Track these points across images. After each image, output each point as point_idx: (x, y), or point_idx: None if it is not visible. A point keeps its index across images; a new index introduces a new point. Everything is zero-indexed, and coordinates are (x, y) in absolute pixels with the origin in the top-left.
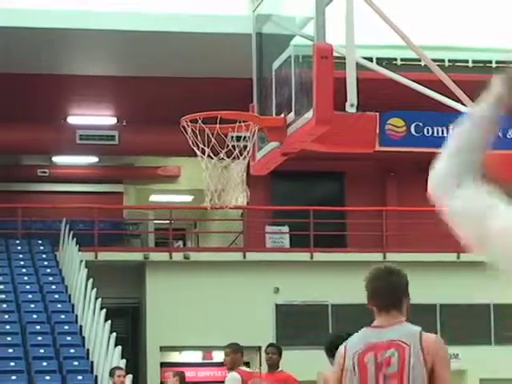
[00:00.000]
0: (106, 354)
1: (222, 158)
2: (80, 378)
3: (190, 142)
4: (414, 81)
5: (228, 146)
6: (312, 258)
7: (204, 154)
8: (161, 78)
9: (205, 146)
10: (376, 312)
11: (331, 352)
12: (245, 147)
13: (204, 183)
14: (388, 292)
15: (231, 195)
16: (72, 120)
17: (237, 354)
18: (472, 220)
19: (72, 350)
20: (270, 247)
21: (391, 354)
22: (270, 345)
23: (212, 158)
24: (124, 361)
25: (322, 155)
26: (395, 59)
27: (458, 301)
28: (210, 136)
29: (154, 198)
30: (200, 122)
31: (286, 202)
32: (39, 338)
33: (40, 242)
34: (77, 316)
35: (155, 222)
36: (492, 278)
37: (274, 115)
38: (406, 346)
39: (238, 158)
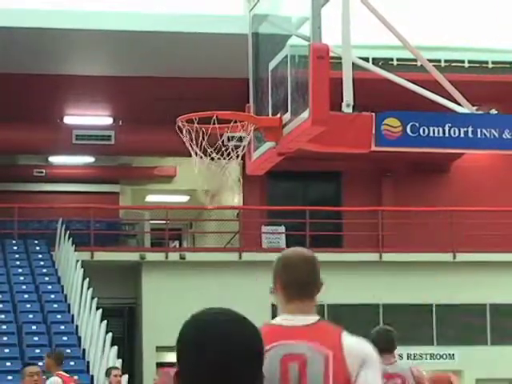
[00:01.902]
0: (101, 354)
1: (218, 158)
2: (76, 377)
3: (186, 143)
4: (410, 81)
5: (224, 146)
6: None
7: (199, 155)
8: (157, 77)
9: (200, 146)
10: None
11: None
12: (241, 147)
13: (199, 183)
14: None
15: (227, 195)
16: (68, 120)
17: (49, 359)
18: None
19: (68, 350)
20: (266, 247)
21: None
22: None
23: (207, 159)
24: (120, 361)
25: (318, 155)
26: (391, 59)
27: (454, 301)
28: (206, 136)
29: (150, 198)
30: (196, 122)
31: (282, 202)
32: (35, 338)
33: (36, 242)
34: (73, 316)
35: (151, 222)
36: (488, 277)
37: (270, 115)
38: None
39: (236, 158)
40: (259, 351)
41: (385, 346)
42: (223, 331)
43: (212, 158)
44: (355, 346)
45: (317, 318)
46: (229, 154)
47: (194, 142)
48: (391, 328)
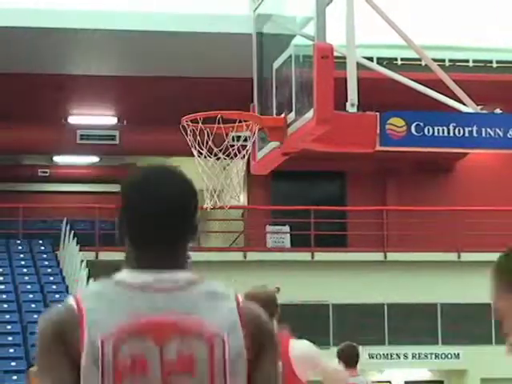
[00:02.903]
0: None
1: (224, 158)
2: None
3: (190, 143)
4: (414, 80)
5: (228, 146)
6: (313, 257)
7: (204, 154)
8: (161, 77)
9: (205, 146)
10: None
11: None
12: (245, 147)
13: (204, 183)
14: None
15: (230, 195)
16: (73, 120)
17: None
18: None
19: None
20: (271, 247)
21: None
22: None
23: (211, 158)
24: None
25: (323, 155)
26: (396, 59)
27: (459, 300)
28: (210, 136)
29: None
30: (200, 122)
31: (286, 201)
32: None
33: (41, 241)
34: None
35: None
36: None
37: (274, 115)
38: None
39: (242, 158)
40: (185, 205)
41: (348, 360)
42: (155, 188)
43: (218, 158)
44: None
45: None
46: (235, 155)
47: (199, 141)
48: (355, 344)
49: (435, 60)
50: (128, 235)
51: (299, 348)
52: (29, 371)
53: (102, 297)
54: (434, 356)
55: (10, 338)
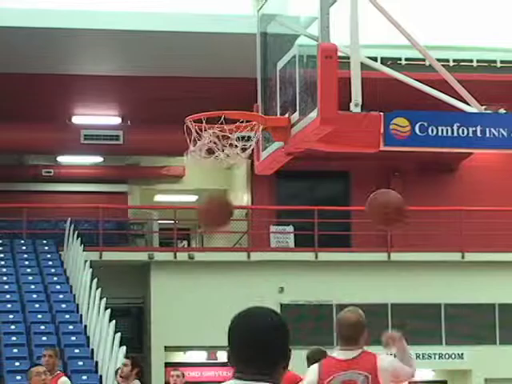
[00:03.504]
0: (110, 354)
1: (227, 158)
2: (85, 377)
3: (192, 143)
4: (418, 80)
5: (232, 146)
6: (317, 257)
7: (208, 154)
8: (165, 77)
9: (208, 146)
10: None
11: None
12: (248, 147)
13: (208, 183)
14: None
15: (235, 195)
16: (76, 120)
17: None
18: None
19: (76, 350)
20: (275, 247)
21: None
22: None
23: (217, 158)
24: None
25: (327, 155)
26: (400, 59)
27: (463, 300)
28: (213, 136)
29: (158, 197)
30: (204, 121)
31: (290, 201)
32: (44, 338)
33: (45, 241)
34: (81, 316)
35: (160, 221)
36: (497, 277)
37: (278, 115)
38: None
39: (246, 158)
40: (274, 338)
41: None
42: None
43: (221, 159)
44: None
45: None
46: (236, 154)
47: (203, 141)
48: (324, 349)
49: (439, 60)
50: (231, 357)
51: (387, 361)
52: (30, 371)
53: None
54: (437, 356)
55: (14, 338)
